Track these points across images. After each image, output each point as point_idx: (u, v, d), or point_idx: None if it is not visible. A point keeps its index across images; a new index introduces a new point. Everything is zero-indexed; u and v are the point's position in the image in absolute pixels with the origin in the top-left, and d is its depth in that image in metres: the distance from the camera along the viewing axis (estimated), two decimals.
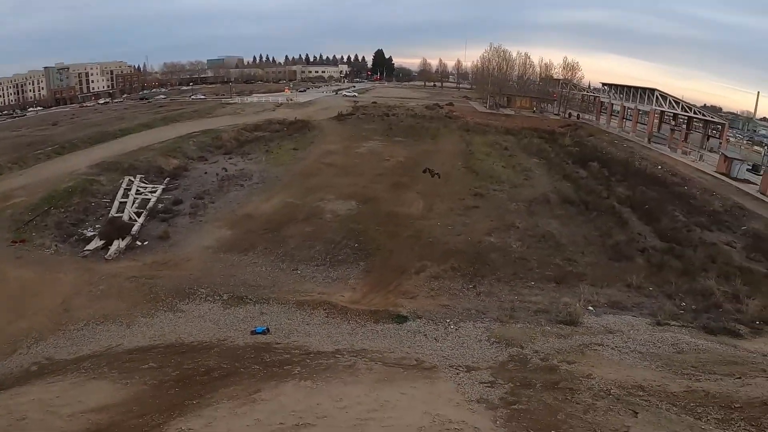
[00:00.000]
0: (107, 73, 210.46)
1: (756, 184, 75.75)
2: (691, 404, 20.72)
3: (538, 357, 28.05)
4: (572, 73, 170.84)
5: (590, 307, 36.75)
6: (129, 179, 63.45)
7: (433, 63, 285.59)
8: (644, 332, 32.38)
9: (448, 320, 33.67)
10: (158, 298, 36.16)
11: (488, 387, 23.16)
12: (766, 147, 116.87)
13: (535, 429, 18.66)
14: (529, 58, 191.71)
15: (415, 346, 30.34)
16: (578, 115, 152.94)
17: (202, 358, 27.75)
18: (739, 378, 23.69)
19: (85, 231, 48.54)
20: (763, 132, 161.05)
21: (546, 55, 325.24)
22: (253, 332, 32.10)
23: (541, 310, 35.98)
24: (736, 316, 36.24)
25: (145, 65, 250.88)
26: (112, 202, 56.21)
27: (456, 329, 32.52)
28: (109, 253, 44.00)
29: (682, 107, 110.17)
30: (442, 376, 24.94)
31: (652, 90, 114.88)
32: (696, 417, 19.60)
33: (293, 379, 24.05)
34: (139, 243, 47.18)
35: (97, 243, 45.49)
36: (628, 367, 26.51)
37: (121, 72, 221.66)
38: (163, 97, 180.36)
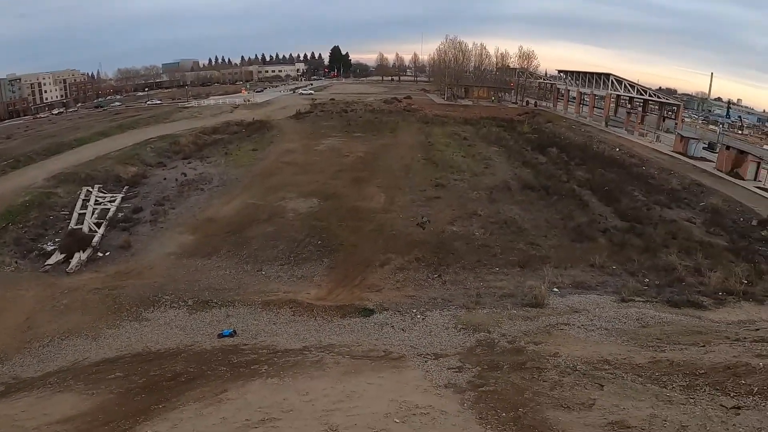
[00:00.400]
0: (60, 83, 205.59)
1: (712, 162, 77.67)
2: (656, 374, 21.06)
3: (506, 340, 28.36)
4: (528, 62, 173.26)
5: (555, 289, 37.27)
6: (87, 190, 62.15)
7: (390, 57, 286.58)
8: (609, 309, 32.99)
9: (414, 310, 33.83)
10: (123, 309, 35.54)
11: (456, 372, 23.29)
12: (720, 126, 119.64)
13: (503, 409, 18.77)
14: (485, 48, 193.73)
15: (382, 337, 30.47)
16: (536, 102, 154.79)
17: (168, 364, 27.45)
18: (703, 346, 24.18)
19: (45, 245, 47.40)
20: (718, 111, 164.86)
21: (503, 45, 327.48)
22: (220, 335, 31.85)
23: (506, 294, 36.41)
24: (699, 289, 37.28)
25: (98, 72, 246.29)
26: (71, 214, 54.90)
27: (423, 319, 32.73)
28: (70, 267, 42.99)
29: (638, 90, 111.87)
30: (410, 365, 25.04)
31: (608, 75, 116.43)
32: (661, 385, 19.90)
33: (260, 377, 23.96)
34: (100, 254, 46.19)
35: (57, 257, 44.45)
36: (594, 343, 26.90)
37: (75, 80, 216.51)
38: (118, 104, 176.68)
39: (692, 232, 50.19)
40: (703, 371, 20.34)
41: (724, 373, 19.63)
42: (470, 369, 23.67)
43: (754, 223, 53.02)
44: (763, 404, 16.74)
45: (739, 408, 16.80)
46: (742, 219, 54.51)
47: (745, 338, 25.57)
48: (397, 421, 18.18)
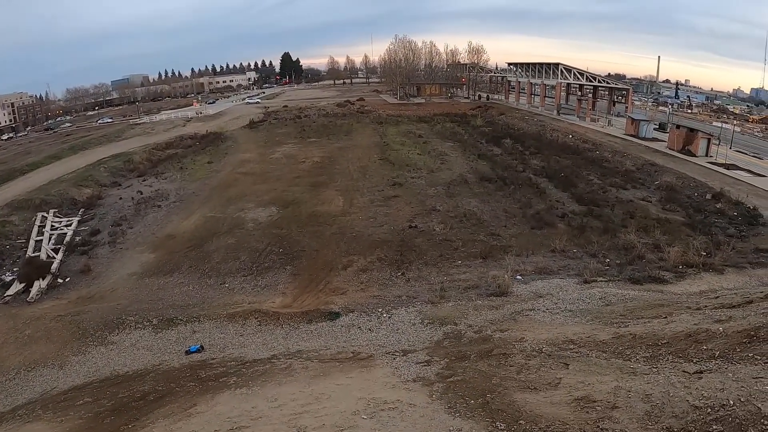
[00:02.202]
0: (8, 106, 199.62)
1: (664, 141, 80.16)
2: (620, 348, 21.58)
3: (472, 330, 28.66)
4: (478, 57, 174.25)
5: (519, 276, 37.89)
6: (42, 215, 60.69)
7: (341, 61, 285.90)
8: (573, 291, 33.81)
9: (380, 309, 34.03)
10: (87, 334, 34.85)
11: (425, 366, 23.46)
12: (670, 107, 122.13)
13: (471, 396, 19.03)
14: (434, 46, 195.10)
15: (350, 339, 30.59)
16: (488, 96, 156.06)
17: (137, 385, 27.09)
18: (665, 318, 24.77)
19: (3, 276, 46.34)
20: (667, 93, 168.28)
21: (452, 41, 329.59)
22: (188, 352, 31.55)
23: (470, 286, 36.86)
24: (659, 264, 38.62)
25: (47, 94, 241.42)
26: (28, 241, 53.60)
27: (389, 317, 32.92)
28: (31, 296, 42.04)
29: (587, 78, 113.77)
30: (379, 363, 25.10)
31: (557, 65, 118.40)
32: (625, 359, 20.40)
33: (229, 388, 23.82)
34: (60, 280, 45.15)
35: (17, 287, 43.45)
36: (559, 325, 27.41)
37: (23, 103, 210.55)
38: (69, 125, 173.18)
39: (649, 210, 51.66)
40: (665, 341, 20.88)
41: (686, 341, 20.16)
42: (438, 361, 23.84)
43: (709, 197, 54.46)
44: (725, 367, 17.17)
45: (701, 372, 17.24)
46: (696, 194, 56.00)
47: (705, 306, 26.34)
48: (365, 417, 18.30)
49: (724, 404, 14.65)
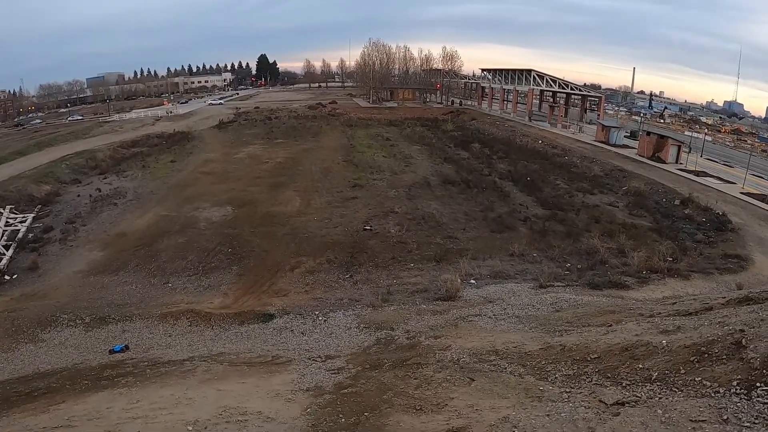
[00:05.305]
0: None
1: (634, 148, 79.70)
2: (543, 363, 19.37)
3: (406, 337, 27.23)
4: (452, 63, 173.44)
5: (472, 281, 36.89)
6: None
7: (318, 64, 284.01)
8: (525, 297, 32.49)
9: (317, 312, 33.00)
10: (20, 331, 33.87)
11: (334, 374, 22.22)
12: (643, 116, 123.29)
13: (348, 413, 17.70)
14: (409, 50, 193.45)
15: (279, 343, 29.52)
16: (461, 101, 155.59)
17: (38, 382, 26.03)
18: (610, 326, 22.71)
19: None
20: (641, 103, 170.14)
21: (427, 47, 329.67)
22: (112, 351, 30.65)
23: (419, 290, 35.83)
24: (622, 270, 37.77)
25: (21, 89, 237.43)
26: None
27: (325, 320, 31.96)
28: None
29: (559, 85, 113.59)
30: (291, 369, 23.80)
31: (529, 71, 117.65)
32: (541, 377, 18.25)
33: (111, 389, 22.82)
34: (7, 277, 44.07)
35: None
36: (499, 332, 25.72)
37: None
38: (39, 121, 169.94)
39: (615, 215, 50.88)
40: (596, 356, 18.31)
41: (620, 357, 17.46)
42: (350, 369, 22.66)
43: (677, 202, 53.90)
44: (658, 397, 14.50)
45: (622, 404, 14.66)
46: (664, 200, 55.43)
47: (660, 313, 24.34)
48: (190, 429, 17.36)
49: None
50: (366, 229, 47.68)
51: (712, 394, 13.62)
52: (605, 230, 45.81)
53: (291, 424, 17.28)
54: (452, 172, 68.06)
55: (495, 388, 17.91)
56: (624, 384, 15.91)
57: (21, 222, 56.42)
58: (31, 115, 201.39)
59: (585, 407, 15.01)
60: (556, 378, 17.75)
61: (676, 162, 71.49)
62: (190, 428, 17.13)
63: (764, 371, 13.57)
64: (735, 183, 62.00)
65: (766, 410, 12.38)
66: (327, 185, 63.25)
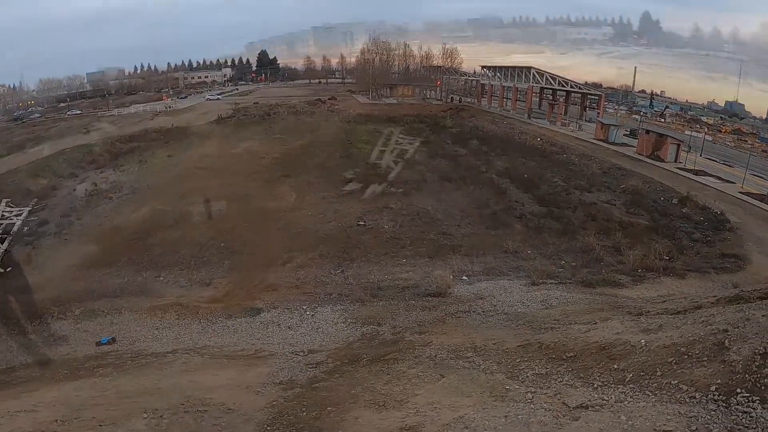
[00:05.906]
0: None
1: (633, 147, 78.94)
2: (518, 360, 19.38)
3: (392, 332, 27.34)
4: (452, 60, 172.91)
5: (464, 277, 36.75)
6: None
7: (318, 61, 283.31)
8: (516, 294, 32.43)
9: (305, 307, 32.79)
10: (10, 324, 33.73)
11: (312, 368, 22.34)
12: (643, 115, 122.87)
13: (311, 408, 17.88)
14: (408, 47, 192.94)
15: (264, 337, 29.48)
16: (460, 99, 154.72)
17: (21, 371, 26.86)
18: (595, 323, 22.45)
19: None
20: (642, 103, 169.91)
21: (426, 44, 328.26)
22: (98, 343, 30.80)
23: (409, 285, 35.64)
24: (617, 268, 37.56)
25: (21, 84, 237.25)
26: None
27: (312, 315, 31.73)
28: None
29: (559, 82, 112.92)
30: (269, 362, 23.95)
31: (529, 68, 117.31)
32: (512, 375, 18.22)
33: (85, 379, 23.27)
34: (1, 270, 43.86)
35: None
36: (484, 329, 25.71)
37: None
38: (38, 116, 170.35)
39: (612, 213, 50.45)
40: (572, 354, 18.22)
41: (597, 356, 17.25)
42: (329, 364, 22.72)
43: (675, 201, 53.52)
44: (628, 401, 14.14)
45: (585, 408, 14.31)
46: (662, 198, 54.94)
47: (648, 312, 24.25)
48: (146, 416, 17.70)
49: None
50: (360, 225, 47.34)
51: (687, 400, 13.22)
52: (601, 228, 45.41)
53: (250, 416, 17.33)
54: (449, 169, 67.20)
55: (462, 385, 17.88)
56: (595, 385, 15.63)
57: (17, 215, 56.14)
58: (31, 109, 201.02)
59: (545, 410, 14.74)
60: (526, 377, 17.65)
61: (675, 161, 70.97)
62: (146, 416, 17.23)
63: (746, 375, 13.08)
64: (734, 182, 61.61)
65: (743, 420, 11.91)
66: (323, 181, 62.68)
